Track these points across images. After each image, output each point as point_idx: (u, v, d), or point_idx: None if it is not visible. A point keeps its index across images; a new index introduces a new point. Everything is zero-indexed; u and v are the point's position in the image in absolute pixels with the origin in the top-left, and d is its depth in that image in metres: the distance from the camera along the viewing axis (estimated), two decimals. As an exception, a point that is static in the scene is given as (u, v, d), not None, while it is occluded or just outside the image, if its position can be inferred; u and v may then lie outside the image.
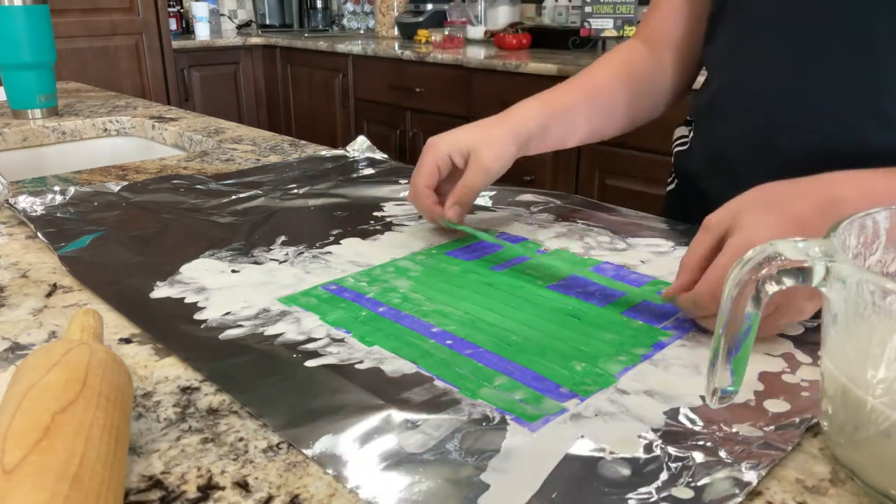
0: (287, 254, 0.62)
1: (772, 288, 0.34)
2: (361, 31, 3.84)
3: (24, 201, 0.72)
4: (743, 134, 0.68)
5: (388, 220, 0.71)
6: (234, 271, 0.58)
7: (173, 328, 0.48)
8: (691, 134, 0.79)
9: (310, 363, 0.44)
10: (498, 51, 2.68)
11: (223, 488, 0.33)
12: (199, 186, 0.81)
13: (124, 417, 0.34)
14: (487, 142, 0.64)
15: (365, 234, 0.67)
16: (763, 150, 0.66)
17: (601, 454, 0.35)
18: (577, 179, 2.26)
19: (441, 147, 0.64)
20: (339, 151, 0.99)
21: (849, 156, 0.59)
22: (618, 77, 0.76)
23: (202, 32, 3.46)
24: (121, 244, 0.63)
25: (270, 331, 0.48)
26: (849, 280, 0.31)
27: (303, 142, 1.07)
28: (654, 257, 0.62)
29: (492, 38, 2.86)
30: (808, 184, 0.49)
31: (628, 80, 0.76)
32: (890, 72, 0.58)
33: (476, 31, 3.04)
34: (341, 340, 0.47)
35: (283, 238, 0.65)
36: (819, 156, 0.61)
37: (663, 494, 0.32)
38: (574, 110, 0.72)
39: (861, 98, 0.60)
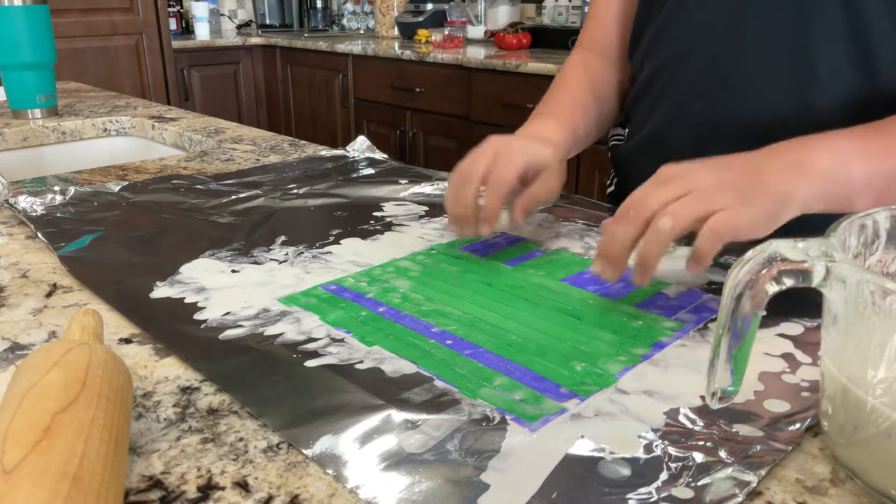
0: (287, 254, 0.62)
1: (772, 288, 0.34)
2: (361, 31, 3.84)
3: (24, 201, 0.72)
4: (670, 109, 0.73)
5: (388, 220, 0.71)
6: (234, 271, 0.58)
7: (173, 328, 0.48)
8: (626, 130, 0.83)
9: (310, 363, 0.44)
10: (498, 50, 2.68)
11: (223, 488, 0.33)
12: (199, 186, 0.81)
13: (124, 417, 0.34)
14: (556, 163, 0.64)
15: (365, 234, 0.67)
16: (689, 121, 0.71)
17: (601, 454, 0.35)
18: (577, 179, 2.26)
19: (521, 154, 0.62)
20: (339, 151, 0.99)
21: (777, 118, 0.65)
22: (586, 90, 0.79)
23: (202, 32, 3.46)
24: (121, 244, 0.63)
25: (270, 331, 0.48)
26: (849, 280, 0.31)
27: (303, 142, 1.07)
28: (654, 257, 0.62)
29: (492, 37, 2.86)
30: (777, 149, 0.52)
31: (593, 90, 0.79)
32: (817, 33, 0.62)
33: (476, 31, 3.04)
34: (341, 340, 0.47)
35: (283, 238, 0.65)
36: (743, 120, 0.67)
37: (663, 494, 0.32)
38: (579, 129, 0.74)
39: (790, 63, 0.63)
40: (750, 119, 0.66)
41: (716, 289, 0.55)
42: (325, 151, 0.99)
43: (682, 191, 0.49)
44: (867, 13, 0.60)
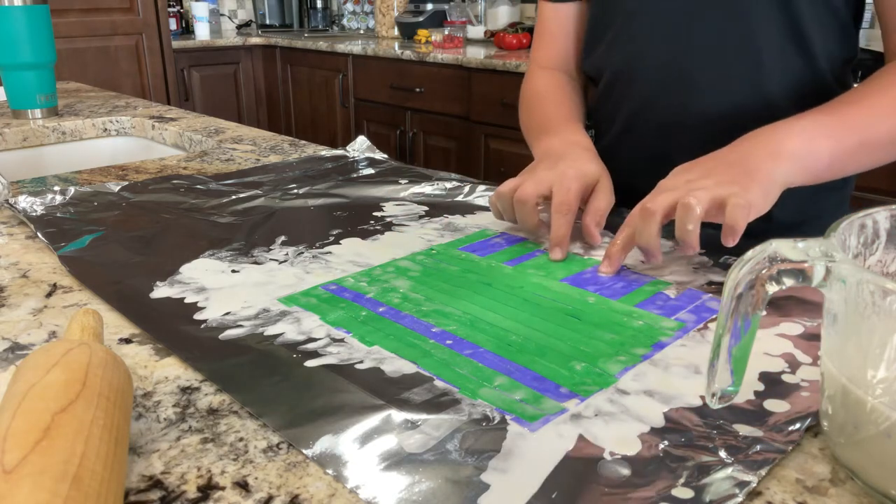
0: (287, 254, 0.62)
1: (772, 288, 0.34)
2: (361, 31, 3.84)
3: (24, 201, 0.72)
4: (635, 106, 0.79)
5: (388, 220, 0.71)
6: (234, 271, 0.58)
7: (173, 328, 0.48)
8: (592, 132, 0.87)
9: (310, 363, 0.44)
10: (498, 50, 2.68)
11: (223, 488, 0.33)
12: (199, 186, 0.81)
13: (124, 417, 0.34)
14: (604, 172, 0.68)
15: (365, 234, 0.67)
16: (654, 115, 0.77)
17: (601, 454, 0.35)
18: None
19: (575, 180, 0.64)
20: (339, 151, 0.99)
21: (734, 105, 0.72)
22: (565, 102, 0.83)
23: (202, 32, 3.46)
24: (121, 244, 0.63)
25: (270, 331, 0.48)
26: (849, 280, 0.31)
27: (303, 142, 1.07)
28: (654, 257, 0.62)
29: (492, 37, 2.86)
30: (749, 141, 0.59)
31: (570, 102, 0.83)
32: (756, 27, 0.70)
33: (476, 31, 3.03)
34: (341, 340, 0.47)
35: (283, 238, 0.65)
36: (704, 109, 0.74)
37: (663, 494, 0.32)
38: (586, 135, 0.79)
39: (738, 54, 0.71)
40: (709, 108, 0.73)
41: (716, 289, 0.55)
42: (325, 151, 1.00)
43: (686, 190, 0.55)
44: (797, 3, 0.68)
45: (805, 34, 0.69)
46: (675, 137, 0.70)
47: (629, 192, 0.82)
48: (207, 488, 0.33)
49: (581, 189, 0.64)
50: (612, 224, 0.65)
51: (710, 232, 0.56)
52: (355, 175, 0.87)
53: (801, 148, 0.58)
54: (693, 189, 0.54)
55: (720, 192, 0.54)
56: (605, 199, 0.65)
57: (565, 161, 0.66)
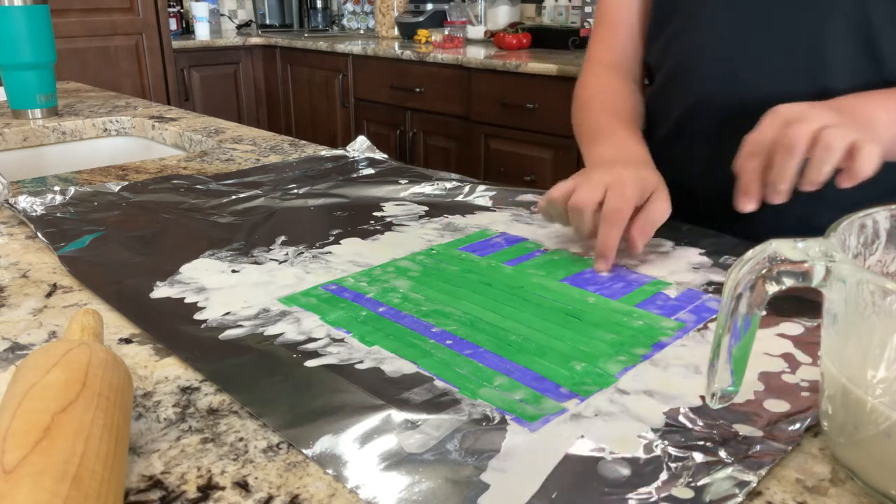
0: (287, 254, 0.62)
1: (772, 288, 0.34)
2: (361, 31, 3.84)
3: (24, 201, 0.72)
4: (691, 102, 0.75)
5: (388, 220, 0.71)
6: (234, 271, 0.58)
7: (173, 328, 0.48)
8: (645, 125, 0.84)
9: (310, 363, 0.44)
10: (498, 51, 2.67)
11: (223, 488, 0.33)
12: (199, 186, 0.81)
13: (124, 417, 0.34)
14: (661, 182, 0.63)
15: (365, 234, 0.67)
16: (710, 113, 0.74)
17: (601, 454, 0.35)
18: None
19: (632, 184, 0.61)
20: (339, 151, 0.99)
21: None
22: (619, 113, 0.78)
23: (202, 32, 3.46)
24: (121, 244, 0.63)
25: (270, 331, 0.48)
26: (849, 280, 0.31)
27: (303, 142, 1.07)
28: (655, 257, 0.62)
29: (492, 37, 2.86)
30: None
31: (627, 111, 0.78)
32: (820, 30, 0.66)
33: (476, 31, 3.03)
34: (341, 340, 0.47)
35: (283, 238, 0.65)
36: (762, 108, 0.69)
37: (663, 494, 0.32)
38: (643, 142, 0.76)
39: (802, 60, 0.68)
40: (768, 106, 0.68)
41: (716, 289, 0.55)
42: (325, 151, 1.00)
43: (819, 125, 0.52)
44: (869, 10, 0.64)
45: (877, 46, 0.65)
46: (731, 138, 0.66)
47: (679, 189, 0.78)
48: (207, 488, 0.33)
49: (637, 195, 0.59)
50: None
51: (712, 235, 0.55)
52: (355, 175, 0.87)
53: (889, 120, 0.58)
54: (827, 124, 0.52)
55: (855, 135, 0.51)
56: (661, 209, 0.60)
57: (622, 164, 0.62)
